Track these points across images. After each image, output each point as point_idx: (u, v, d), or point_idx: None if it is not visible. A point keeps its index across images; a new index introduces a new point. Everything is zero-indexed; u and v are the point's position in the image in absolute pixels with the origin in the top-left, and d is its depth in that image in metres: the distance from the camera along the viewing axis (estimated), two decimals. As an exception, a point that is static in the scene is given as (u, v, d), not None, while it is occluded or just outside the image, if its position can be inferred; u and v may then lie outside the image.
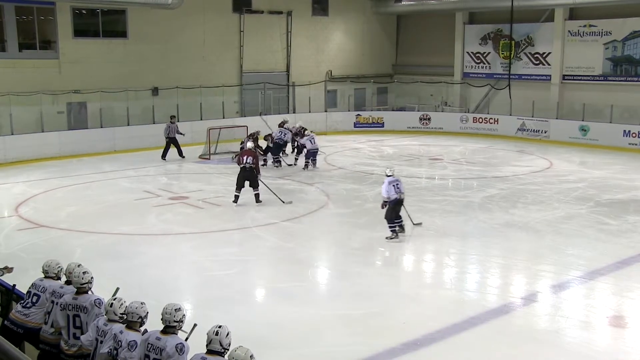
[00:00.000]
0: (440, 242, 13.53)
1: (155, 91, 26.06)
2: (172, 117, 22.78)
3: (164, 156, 22.34)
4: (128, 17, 25.41)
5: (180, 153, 22.51)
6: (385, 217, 13.18)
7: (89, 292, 6.51)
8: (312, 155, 20.50)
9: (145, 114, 25.24)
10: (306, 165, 20.49)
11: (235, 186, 16.07)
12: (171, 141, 22.33)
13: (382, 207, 13.24)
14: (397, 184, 13.07)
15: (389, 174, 13.18)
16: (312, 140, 20.40)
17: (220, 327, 5.45)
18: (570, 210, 15.60)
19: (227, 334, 5.43)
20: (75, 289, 6.50)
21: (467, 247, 13.17)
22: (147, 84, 25.75)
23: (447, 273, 11.81)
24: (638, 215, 15.24)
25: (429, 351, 8.35)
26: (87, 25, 25.02)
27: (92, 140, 23.46)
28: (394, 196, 13.00)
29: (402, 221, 13.25)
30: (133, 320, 5.87)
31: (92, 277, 6.57)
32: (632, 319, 9.61)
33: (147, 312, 5.97)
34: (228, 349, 5.37)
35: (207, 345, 5.42)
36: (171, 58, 26.40)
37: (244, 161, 15.94)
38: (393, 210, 13.12)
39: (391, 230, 13.12)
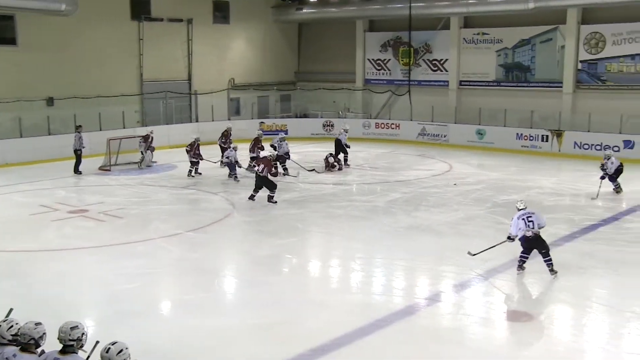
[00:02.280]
0: (346, 246, 13.70)
1: (50, 101, 25.10)
2: (79, 127, 21.96)
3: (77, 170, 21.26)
4: (17, 23, 24.33)
5: (76, 168, 21.34)
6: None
7: None
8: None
9: (39, 125, 24.23)
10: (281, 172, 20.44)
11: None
12: (80, 153, 21.39)
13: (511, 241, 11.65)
14: (529, 217, 11.24)
15: (520, 207, 11.48)
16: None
17: (113, 344, 5.25)
18: (470, 212, 16.14)
19: (120, 352, 5.23)
20: None
21: (372, 251, 13.39)
22: (41, 94, 24.75)
23: (353, 277, 11.96)
24: (532, 214, 15.91)
25: (336, 356, 8.42)
26: (-28, 32, 23.84)
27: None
28: (523, 232, 11.28)
29: (527, 258, 11.56)
30: (26, 342, 5.53)
31: None
32: (527, 313, 10.03)
33: (44, 333, 5.63)
34: None
35: None
36: (67, 67, 25.49)
37: (260, 170, 16.91)
38: (526, 244, 11.46)
39: (519, 261, 11.57)
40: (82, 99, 25.12)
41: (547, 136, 25.28)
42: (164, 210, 16.64)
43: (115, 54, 27.27)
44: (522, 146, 25.59)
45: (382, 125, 29.90)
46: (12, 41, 24.40)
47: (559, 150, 24.70)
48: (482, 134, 26.91)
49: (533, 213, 11.29)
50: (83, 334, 5.55)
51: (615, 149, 23.50)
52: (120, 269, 11.96)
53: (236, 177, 19.90)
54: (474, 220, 15.37)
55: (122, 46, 27.56)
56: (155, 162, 22.74)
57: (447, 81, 29.88)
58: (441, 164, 23.42)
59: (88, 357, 5.52)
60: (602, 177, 17.54)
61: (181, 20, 29.60)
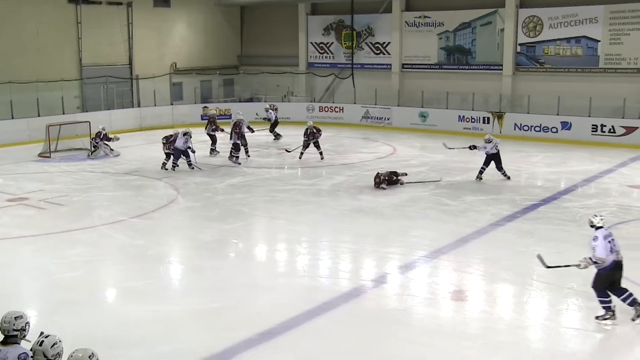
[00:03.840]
0: (291, 230, 13.75)
1: (-16, 86, 24.32)
2: None
3: None
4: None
5: None
6: (595, 287, 8.85)
7: None
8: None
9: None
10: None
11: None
12: None
13: (585, 267, 8.85)
14: (613, 239, 8.74)
15: (598, 225, 8.82)
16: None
17: (46, 337, 5.14)
18: (414, 194, 16.36)
19: (54, 345, 5.12)
20: None
21: (318, 234, 13.48)
22: (-25, 79, 23.95)
23: (299, 261, 12.01)
24: (474, 195, 16.26)
25: (284, 339, 8.47)
26: None
27: None
28: (611, 258, 8.66)
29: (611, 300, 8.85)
30: None
31: None
32: (470, 292, 10.28)
33: None
34: None
35: (32, 357, 5.11)
36: (2, 51, 24.68)
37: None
38: (607, 279, 8.75)
39: (604, 307, 8.78)
40: (18, 84, 24.39)
41: (488, 118, 25.77)
42: (106, 197, 16.38)
43: (53, 38, 26.55)
44: (464, 128, 26.03)
45: (326, 109, 29.97)
46: (-58, 24, 23.51)
47: (500, 132, 25.19)
48: (424, 117, 27.26)
49: (612, 233, 8.88)
50: (27, 323, 5.47)
51: (554, 130, 24.20)
52: (63, 258, 11.75)
53: (190, 164, 19.20)
54: (418, 202, 15.60)
55: (59, 30, 26.84)
56: (117, 153, 21.88)
57: (390, 64, 30.10)
58: (385, 146, 23.65)
59: (32, 348, 5.41)
60: (472, 147, 18.05)
61: (120, 4, 28.96)
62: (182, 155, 18.95)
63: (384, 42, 30.30)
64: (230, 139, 20.96)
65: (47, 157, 21.49)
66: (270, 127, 25.34)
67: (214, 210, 15.02)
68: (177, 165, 18.95)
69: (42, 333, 5.45)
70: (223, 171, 18.59)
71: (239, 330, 8.61)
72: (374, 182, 16.86)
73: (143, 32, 29.95)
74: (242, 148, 20.80)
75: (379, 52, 30.60)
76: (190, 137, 19.07)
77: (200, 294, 10.08)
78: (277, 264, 12.09)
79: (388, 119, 28.25)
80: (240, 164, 19.96)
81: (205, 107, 29.59)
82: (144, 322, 8.94)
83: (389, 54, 30.15)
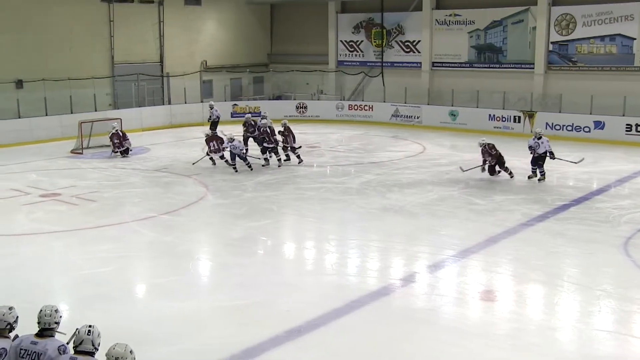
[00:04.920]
0: (320, 228, 13.75)
1: (19, 84, 24.68)
2: None
3: None
4: (-18, 4, 23.90)
5: None
6: None
7: None
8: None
9: (8, 107, 23.82)
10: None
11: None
12: None
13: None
14: None
15: None
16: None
17: (91, 326, 5.27)
18: (443, 193, 16.25)
19: (99, 334, 5.27)
20: None
21: (346, 233, 13.45)
22: (9, 76, 24.31)
23: (327, 259, 11.99)
24: (503, 194, 16.10)
25: (311, 337, 8.46)
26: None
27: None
28: None
29: None
30: (1, 328, 5.50)
31: None
32: (499, 292, 10.18)
33: (17, 317, 5.62)
34: (98, 349, 5.19)
35: (76, 346, 5.21)
36: (36, 49, 25.04)
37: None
38: None
39: None
40: (52, 81, 24.74)
41: (519, 117, 25.49)
42: (137, 194, 16.53)
43: (86, 36, 26.87)
44: (494, 127, 25.76)
45: (355, 107, 29.91)
46: (-23, 22, 23.93)
47: (531, 131, 24.77)
48: (454, 115, 27.06)
49: None
50: (61, 317, 5.56)
51: (586, 129, 23.85)
52: (93, 253, 11.88)
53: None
54: (447, 201, 15.49)
55: (92, 28, 27.16)
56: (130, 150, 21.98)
57: (420, 63, 29.92)
58: (414, 145, 23.52)
59: (68, 342, 5.49)
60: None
61: (152, 2, 29.21)
62: (237, 157, 18.56)
63: (414, 41, 30.12)
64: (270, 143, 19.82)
65: (79, 153, 21.77)
66: (213, 125, 24.15)
67: (243, 208, 15.07)
68: (235, 165, 18.68)
69: (77, 330, 5.53)
70: (255, 168, 18.66)
71: (266, 327, 8.62)
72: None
73: (174, 30, 30.18)
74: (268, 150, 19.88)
75: (409, 50, 30.44)
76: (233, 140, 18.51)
77: (228, 291, 10.12)
78: (305, 261, 12.09)
79: (418, 118, 28.09)
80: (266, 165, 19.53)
81: (235, 104, 29.84)
82: (172, 318, 8.99)
83: (419, 52, 29.97)
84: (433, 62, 29.62)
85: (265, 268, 11.27)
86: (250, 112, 24.33)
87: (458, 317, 9.19)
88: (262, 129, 19.75)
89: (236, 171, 18.46)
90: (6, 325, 5.52)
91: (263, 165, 19.22)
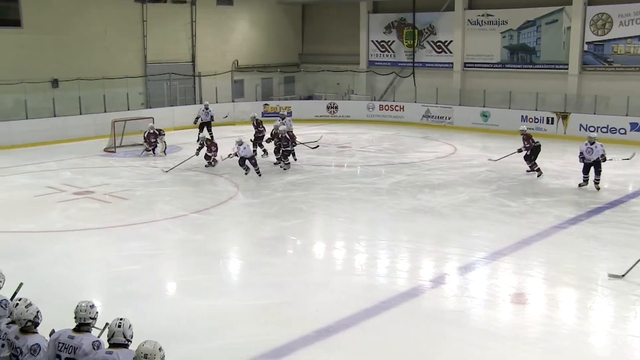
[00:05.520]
0: (349, 228, 13.71)
1: (55, 83, 25.07)
2: None
3: None
4: (21, 5, 24.26)
5: None
6: None
7: None
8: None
9: (44, 106, 24.22)
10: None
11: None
12: None
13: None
14: None
15: None
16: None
17: (122, 319, 5.37)
18: (474, 194, 16.12)
19: (130, 326, 5.36)
20: None
21: (376, 233, 13.40)
22: (46, 76, 24.70)
23: (357, 259, 11.96)
24: (535, 197, 15.91)
25: (340, 337, 8.44)
26: (-25, 13, 23.72)
27: (-13, 134, 22.39)
28: None
29: None
30: (25, 327, 5.54)
31: (3, 277, 6.33)
32: (531, 295, 10.04)
33: (38, 311, 5.63)
34: (131, 341, 5.27)
35: (109, 339, 5.32)
36: (71, 49, 25.42)
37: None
38: None
39: None
40: (86, 80, 25.09)
41: (552, 118, 25.17)
42: (168, 192, 16.66)
43: (119, 36, 27.20)
44: (528, 128, 25.38)
45: (386, 107, 29.81)
46: (16, 23, 24.33)
47: (565, 133, 24.60)
48: (486, 116, 26.82)
49: None
50: (97, 312, 5.65)
51: (622, 131, 23.45)
52: (125, 250, 12.00)
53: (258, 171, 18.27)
54: (478, 203, 15.35)
55: (126, 28, 27.48)
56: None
57: (452, 63, 29.73)
58: (445, 146, 23.37)
59: (99, 335, 5.64)
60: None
61: (185, 2, 29.46)
62: (246, 161, 18.08)
63: (446, 41, 29.93)
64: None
65: (112, 151, 22.03)
66: (206, 126, 23.81)
67: (273, 207, 15.10)
68: (248, 170, 18.20)
69: (107, 324, 5.63)
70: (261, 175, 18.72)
71: (295, 327, 8.62)
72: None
73: (206, 30, 30.40)
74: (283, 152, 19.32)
75: (440, 50, 30.26)
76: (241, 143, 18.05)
77: (258, 290, 10.14)
78: (335, 261, 12.07)
79: (449, 118, 27.90)
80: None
81: (266, 104, 29.94)
82: (201, 317, 9.04)
83: (451, 53, 29.78)
84: (465, 63, 29.41)
85: (294, 268, 11.28)
86: (285, 111, 24.21)
87: (488, 319, 9.10)
88: (281, 135, 19.08)
89: (246, 173, 18.07)
90: (27, 323, 5.52)
91: (284, 169, 19.00)
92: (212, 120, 23.99)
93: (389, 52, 31.95)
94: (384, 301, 9.54)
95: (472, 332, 8.66)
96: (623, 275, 10.23)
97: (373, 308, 9.28)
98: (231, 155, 18.12)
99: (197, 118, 24.01)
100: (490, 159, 16.08)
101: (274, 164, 19.49)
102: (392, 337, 8.48)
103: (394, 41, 31.70)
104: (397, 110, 29.45)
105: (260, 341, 8.23)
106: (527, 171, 18.17)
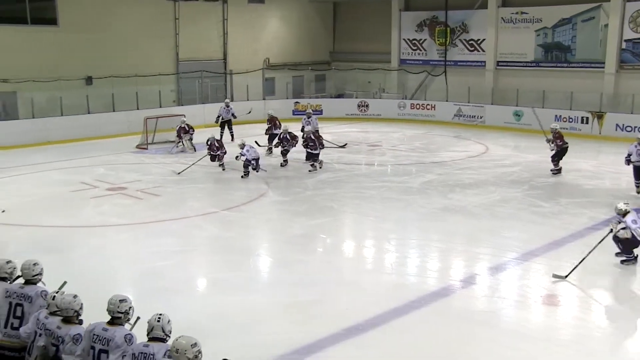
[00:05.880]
0: (380, 227, 13.67)
1: (89, 80, 25.40)
2: None
3: None
4: (57, 4, 24.63)
5: None
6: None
7: (39, 284, 6.42)
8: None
9: (79, 104, 24.56)
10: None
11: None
12: None
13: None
14: None
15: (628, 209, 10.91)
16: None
17: (161, 314, 5.50)
18: (506, 194, 15.96)
19: (169, 321, 5.48)
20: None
21: (406, 232, 13.34)
22: (80, 73, 25.05)
23: (387, 258, 11.92)
24: (569, 197, 15.70)
25: (370, 336, 8.42)
26: (14, 11, 24.03)
27: (23, 131, 22.73)
28: None
29: None
30: (69, 315, 5.79)
31: (42, 269, 6.48)
32: (563, 297, 9.91)
33: (82, 304, 5.89)
34: (170, 336, 5.35)
35: (148, 333, 5.42)
36: (105, 46, 25.72)
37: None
38: None
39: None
40: (119, 78, 25.38)
41: (587, 118, 24.80)
42: (199, 189, 16.79)
43: (152, 34, 27.45)
44: (560, 128, 25.00)
45: (418, 106, 29.64)
46: (53, 21, 24.71)
47: (600, 133, 24.23)
48: (519, 116, 26.53)
49: None
50: (130, 307, 5.76)
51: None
52: (157, 246, 12.12)
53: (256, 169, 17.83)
54: (510, 203, 15.20)
55: (158, 26, 27.73)
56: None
57: (484, 62, 29.45)
58: (477, 145, 23.18)
59: (131, 328, 5.76)
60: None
61: (216, 0, 29.63)
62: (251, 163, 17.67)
63: (479, 39, 29.67)
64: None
65: (145, 148, 22.26)
66: (227, 124, 23.75)
67: (303, 205, 15.12)
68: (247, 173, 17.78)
69: (138, 318, 5.74)
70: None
71: (325, 325, 8.63)
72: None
73: (237, 28, 30.55)
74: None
75: (473, 49, 30.00)
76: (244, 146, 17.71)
77: (287, 288, 10.17)
78: (365, 260, 12.05)
79: (481, 118, 27.66)
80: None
81: (297, 102, 30.00)
82: (231, 313, 9.09)
83: (484, 51, 29.50)
84: (498, 61, 29.11)
85: (324, 266, 11.28)
86: (310, 110, 24.11)
87: (519, 320, 9.01)
88: (305, 136, 18.74)
89: (246, 176, 17.66)
90: (73, 313, 5.79)
91: (310, 171, 18.47)
92: (234, 118, 23.80)
93: (420, 50, 31.78)
94: (414, 300, 9.51)
95: (502, 333, 8.58)
96: (566, 276, 10.15)
97: (403, 307, 9.26)
98: (238, 158, 17.68)
99: (219, 116, 23.77)
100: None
101: (311, 165, 18.76)
102: (421, 337, 8.44)
103: (425, 39, 31.51)
104: (429, 109, 29.28)
105: (290, 338, 8.25)
106: (553, 172, 17.81)
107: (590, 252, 10.30)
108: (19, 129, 22.77)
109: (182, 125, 21.64)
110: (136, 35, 26.76)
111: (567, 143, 17.96)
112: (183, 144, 21.70)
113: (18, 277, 6.58)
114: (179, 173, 18.33)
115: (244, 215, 14.51)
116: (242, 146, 17.64)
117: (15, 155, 20.87)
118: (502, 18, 28.71)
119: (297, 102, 30.23)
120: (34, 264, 6.44)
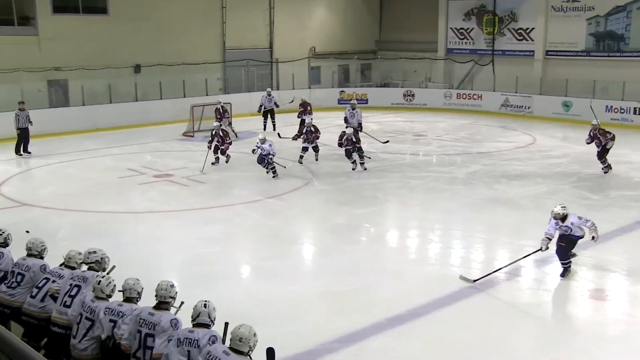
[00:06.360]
0: (424, 218, 13.61)
1: (137, 68, 25.82)
2: (21, 102, 19.62)
3: (18, 151, 19.27)
4: (108, -8, 25.10)
5: (26, 147, 19.40)
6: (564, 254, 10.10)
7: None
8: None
9: (127, 91, 24.99)
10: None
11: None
12: (23, 132, 19.26)
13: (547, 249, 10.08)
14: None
15: (565, 212, 9.97)
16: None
17: (207, 301, 5.58)
18: (553, 186, 15.71)
19: (214, 309, 5.56)
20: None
21: (450, 223, 13.24)
22: (129, 61, 25.48)
23: (431, 248, 11.87)
24: (619, 190, 15.38)
25: (413, 326, 8.42)
26: (66, 1, 24.58)
27: (74, 118, 23.24)
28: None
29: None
30: (131, 297, 6.03)
31: (102, 257, 6.85)
32: (611, 291, 9.74)
33: (142, 288, 6.14)
34: (214, 323, 5.43)
35: (194, 319, 5.50)
36: (153, 35, 26.08)
37: None
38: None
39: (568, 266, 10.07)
40: (167, 66, 25.71)
41: (639, 109, 24.19)
42: (244, 177, 16.92)
43: (200, 22, 27.72)
44: (611, 119, 24.49)
45: (464, 96, 29.32)
46: (103, 10, 25.17)
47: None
48: (568, 106, 26.02)
49: None
50: (176, 293, 5.92)
51: None
52: (201, 233, 12.27)
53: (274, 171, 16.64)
54: (557, 194, 14.94)
55: (206, 14, 27.99)
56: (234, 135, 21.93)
57: (533, 51, 28.93)
58: (524, 136, 22.84)
59: (176, 313, 5.89)
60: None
61: (264, -12, 29.77)
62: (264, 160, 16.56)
63: (527, 28, 29.14)
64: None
65: (191, 136, 22.52)
66: (269, 113, 23.59)
67: (347, 195, 15.14)
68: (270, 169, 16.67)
69: (182, 302, 5.87)
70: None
71: (367, 314, 8.64)
72: None
73: (284, 16, 30.62)
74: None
75: (521, 38, 29.49)
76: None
77: (330, 276, 10.20)
78: (408, 250, 12.01)
79: (528, 108, 27.22)
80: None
81: (342, 91, 29.96)
82: (275, 301, 9.16)
83: (532, 40, 28.97)
84: (547, 51, 28.57)
85: (367, 255, 11.29)
86: (355, 100, 23.82)
87: (565, 314, 8.90)
88: (347, 137, 17.12)
89: (268, 172, 16.64)
90: (136, 294, 6.07)
91: (353, 169, 17.42)
92: (277, 107, 23.64)
93: (467, 39, 31.38)
94: (457, 291, 9.45)
95: (548, 327, 8.49)
96: (474, 281, 9.62)
97: (446, 298, 9.21)
98: (254, 151, 16.74)
99: (261, 106, 23.58)
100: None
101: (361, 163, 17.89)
102: (464, 329, 8.39)
103: (473, 28, 31.09)
104: (475, 99, 28.93)
105: (333, 327, 8.29)
106: (604, 171, 17.02)
107: (509, 265, 9.67)
108: (70, 116, 23.28)
109: (218, 107, 21.77)
110: (184, 24, 27.04)
111: (609, 139, 16.78)
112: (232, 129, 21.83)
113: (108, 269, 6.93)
114: (203, 172, 17.16)
115: (288, 203, 14.59)
116: (263, 141, 16.46)
117: (67, 142, 21.38)
118: (552, 6, 28.12)
119: (342, 91, 30.20)
120: (91, 252, 6.87)
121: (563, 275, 9.92)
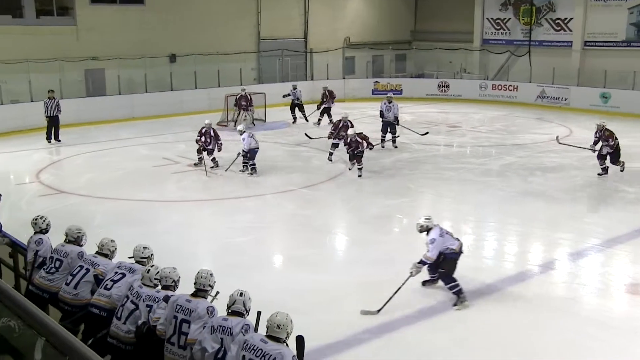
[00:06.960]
0: (457, 209, 13.53)
1: (172, 58, 26.05)
2: (51, 91, 19.81)
3: (49, 138, 19.64)
4: (144, -17, 25.35)
5: (57, 135, 19.74)
6: (446, 276, 8.93)
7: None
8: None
9: (163, 81, 25.23)
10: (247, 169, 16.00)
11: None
12: (52, 120, 19.61)
13: (418, 272, 8.86)
14: (447, 232, 9.34)
15: (431, 225, 9.19)
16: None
17: (243, 290, 5.65)
18: (589, 179, 15.50)
19: (249, 299, 5.62)
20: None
21: (484, 215, 13.15)
22: (164, 51, 25.72)
23: (464, 240, 11.73)
24: (658, 183, 15.10)
25: (444, 318, 8.40)
26: (104, -9, 24.94)
27: (111, 107, 23.55)
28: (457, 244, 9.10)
29: None
30: (168, 285, 6.15)
31: (152, 254, 6.91)
32: (649, 287, 9.60)
33: (179, 277, 6.24)
34: (248, 313, 5.48)
35: (229, 307, 5.56)
36: (188, 25, 26.29)
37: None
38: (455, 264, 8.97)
39: (458, 291, 8.78)
40: (202, 55, 25.88)
41: (680, 101, 23.71)
42: (277, 167, 16.97)
43: (234, 12, 27.83)
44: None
45: (499, 87, 29.00)
46: (140, 1, 25.44)
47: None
48: (607, 98, 25.57)
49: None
50: (215, 282, 6.03)
51: None
52: (234, 222, 12.38)
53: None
54: (593, 188, 14.76)
55: (241, 4, 28.11)
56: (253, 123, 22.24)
57: (571, 41, 28.50)
58: (560, 128, 22.50)
59: (212, 301, 5.97)
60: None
61: (298, -21, 29.76)
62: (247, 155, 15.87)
63: (566, 18, 28.70)
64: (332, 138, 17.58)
65: (225, 125, 22.63)
66: (297, 106, 23.33)
67: (381, 185, 15.11)
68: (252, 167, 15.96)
69: (218, 292, 5.94)
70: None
71: (398, 305, 8.59)
72: None
73: (318, 6, 30.59)
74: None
75: (559, 28, 29.05)
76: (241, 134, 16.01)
77: (363, 267, 10.21)
78: (441, 242, 11.92)
79: (565, 99, 26.81)
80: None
81: (377, 81, 29.84)
82: (308, 290, 9.20)
83: (571, 31, 28.53)
84: (585, 41, 28.10)
85: (400, 246, 11.24)
86: (392, 94, 23.34)
87: (600, 309, 8.78)
88: (349, 139, 15.89)
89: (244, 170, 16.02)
90: (172, 282, 6.17)
91: (349, 169, 16.43)
92: (300, 102, 23.16)
93: (504, 30, 31.01)
94: (490, 284, 9.40)
95: (582, 322, 8.38)
96: (378, 311, 8.46)
97: (478, 290, 9.16)
98: (239, 154, 16.12)
99: (288, 94, 23.40)
100: (557, 138, 13.70)
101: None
102: (496, 322, 8.34)
103: (509, 19, 30.72)
104: (511, 90, 28.59)
105: (364, 317, 8.31)
106: (621, 170, 15.81)
107: (398, 289, 8.55)
108: (107, 105, 23.61)
109: (243, 94, 21.79)
110: (219, 14, 27.18)
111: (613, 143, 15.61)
112: (246, 116, 21.90)
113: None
114: (211, 171, 16.31)
115: (321, 193, 14.62)
116: (241, 133, 15.86)
117: (103, 131, 21.67)
118: (591, -4, 27.66)
119: (376, 82, 30.08)
120: (145, 248, 6.91)
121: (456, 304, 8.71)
